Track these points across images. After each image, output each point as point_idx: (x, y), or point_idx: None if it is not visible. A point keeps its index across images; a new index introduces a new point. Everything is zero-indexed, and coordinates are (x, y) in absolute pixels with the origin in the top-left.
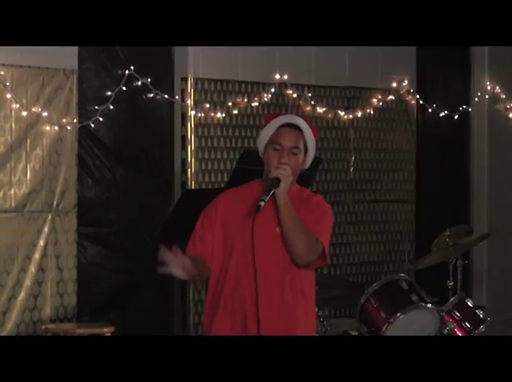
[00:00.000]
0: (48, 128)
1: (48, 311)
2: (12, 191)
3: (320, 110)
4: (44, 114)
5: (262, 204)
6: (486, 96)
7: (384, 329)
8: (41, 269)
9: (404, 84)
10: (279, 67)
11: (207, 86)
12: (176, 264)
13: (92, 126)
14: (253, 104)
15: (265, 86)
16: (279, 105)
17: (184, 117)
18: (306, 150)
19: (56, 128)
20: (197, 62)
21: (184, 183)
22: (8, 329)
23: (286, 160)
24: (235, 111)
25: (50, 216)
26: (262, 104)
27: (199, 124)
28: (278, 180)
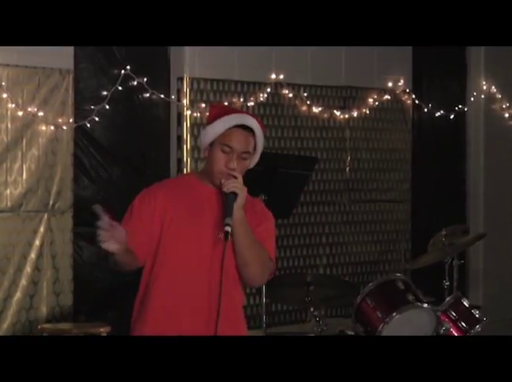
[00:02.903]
0: (43, 128)
1: (44, 311)
2: (8, 191)
3: (315, 110)
4: (40, 113)
5: (229, 229)
6: (482, 96)
7: (380, 328)
8: (37, 269)
9: (400, 84)
10: (275, 67)
11: (203, 86)
12: (111, 235)
13: (88, 125)
14: (249, 104)
15: (261, 86)
16: (275, 105)
17: (180, 117)
18: (255, 151)
19: (52, 128)
20: (193, 62)
21: None
22: (4, 328)
23: (235, 165)
24: None
25: (46, 216)
26: (258, 104)
27: (194, 124)
28: (235, 194)
